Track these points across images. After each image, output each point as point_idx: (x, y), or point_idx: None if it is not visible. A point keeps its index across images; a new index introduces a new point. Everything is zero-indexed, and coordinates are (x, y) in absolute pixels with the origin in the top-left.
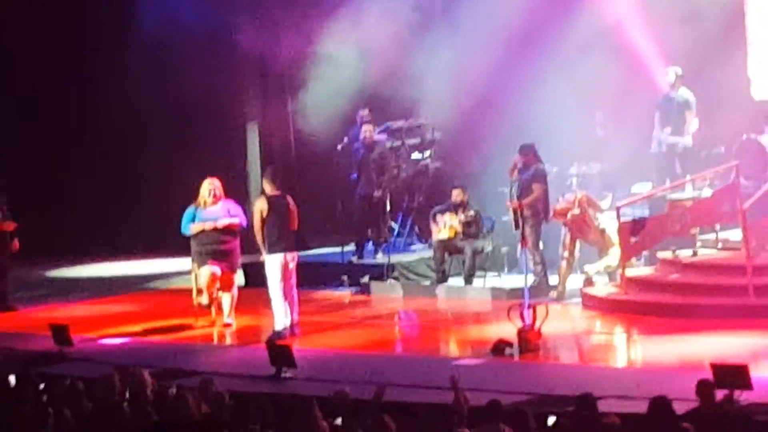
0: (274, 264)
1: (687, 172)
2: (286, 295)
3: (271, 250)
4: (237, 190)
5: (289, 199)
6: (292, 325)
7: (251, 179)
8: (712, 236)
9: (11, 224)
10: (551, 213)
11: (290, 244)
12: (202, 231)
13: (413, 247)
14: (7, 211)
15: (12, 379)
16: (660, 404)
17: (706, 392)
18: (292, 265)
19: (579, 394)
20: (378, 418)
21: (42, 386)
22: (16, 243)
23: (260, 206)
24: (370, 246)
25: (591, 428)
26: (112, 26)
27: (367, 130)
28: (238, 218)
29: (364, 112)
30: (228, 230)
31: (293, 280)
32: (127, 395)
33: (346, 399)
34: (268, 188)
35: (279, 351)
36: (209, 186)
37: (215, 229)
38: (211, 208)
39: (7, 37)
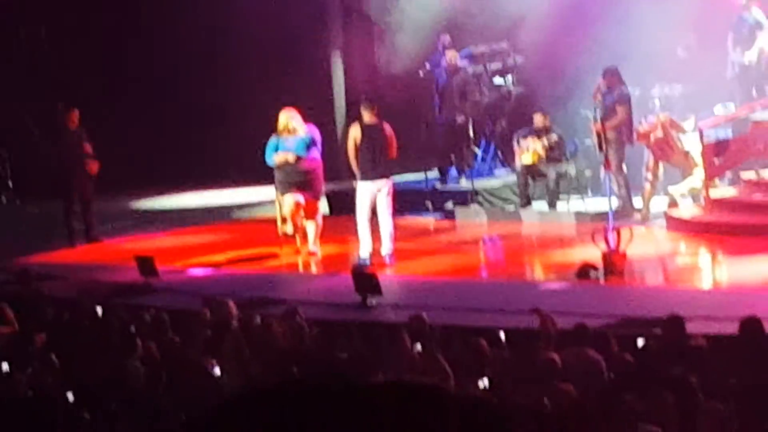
0: (363, 191)
1: (759, 92)
2: (382, 224)
3: (363, 177)
4: (323, 119)
5: (387, 126)
6: (387, 254)
7: (336, 107)
8: None
9: (89, 146)
10: (635, 136)
11: (383, 172)
12: (285, 161)
13: (497, 172)
14: (85, 135)
15: (99, 309)
16: (751, 325)
17: None
18: (384, 191)
19: (666, 316)
20: (472, 342)
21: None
22: (94, 165)
23: (354, 134)
24: (453, 172)
25: (679, 350)
26: None
27: (450, 56)
28: (314, 138)
29: (446, 38)
30: (310, 158)
31: (389, 209)
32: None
33: (423, 324)
34: (366, 116)
35: (364, 279)
36: (288, 116)
37: (298, 159)
38: (292, 137)
39: None
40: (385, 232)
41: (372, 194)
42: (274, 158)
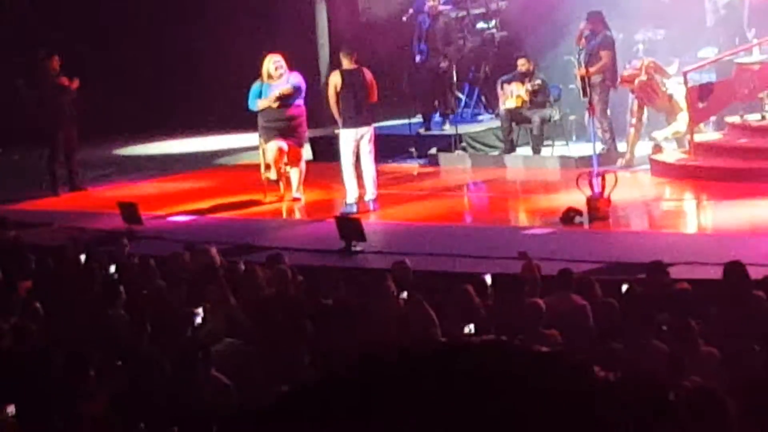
0: (346, 138)
1: (741, 38)
2: (364, 169)
3: (345, 124)
4: (307, 64)
5: (366, 72)
6: (370, 200)
7: (320, 53)
8: None
9: (75, 81)
10: (619, 80)
11: (365, 119)
12: (269, 107)
13: (480, 117)
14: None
15: (82, 257)
16: (734, 269)
17: None
18: (367, 138)
19: (650, 262)
20: (458, 288)
21: (113, 266)
22: (74, 83)
23: (334, 80)
24: (437, 117)
25: (662, 294)
26: None
27: (432, 0)
28: (299, 86)
29: None
30: (294, 105)
31: (371, 155)
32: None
33: (407, 271)
34: (345, 62)
35: (348, 225)
36: (273, 61)
37: (281, 105)
38: (276, 83)
39: None
40: (368, 178)
41: (355, 141)
42: (257, 104)
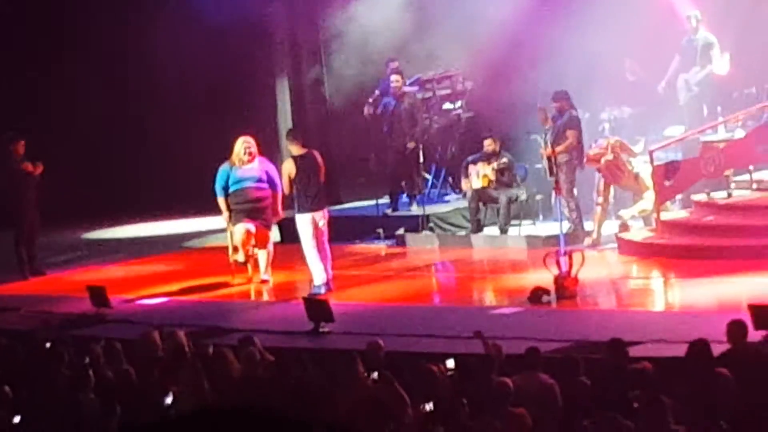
0: (304, 223)
1: (711, 111)
2: (320, 251)
3: (301, 209)
4: (269, 149)
5: (316, 154)
6: (327, 281)
7: (282, 137)
8: (746, 177)
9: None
10: (585, 159)
11: (319, 203)
12: (237, 189)
13: (447, 197)
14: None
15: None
16: (699, 347)
17: (738, 333)
18: (322, 223)
19: (609, 340)
20: (422, 368)
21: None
22: (38, 168)
23: (288, 169)
24: (404, 198)
25: (622, 374)
26: None
27: (395, 80)
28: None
29: (394, 64)
30: (261, 188)
31: (325, 237)
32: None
33: (379, 351)
34: (294, 149)
35: (317, 306)
36: (244, 144)
37: (249, 188)
38: (246, 167)
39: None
40: (326, 261)
41: (313, 224)
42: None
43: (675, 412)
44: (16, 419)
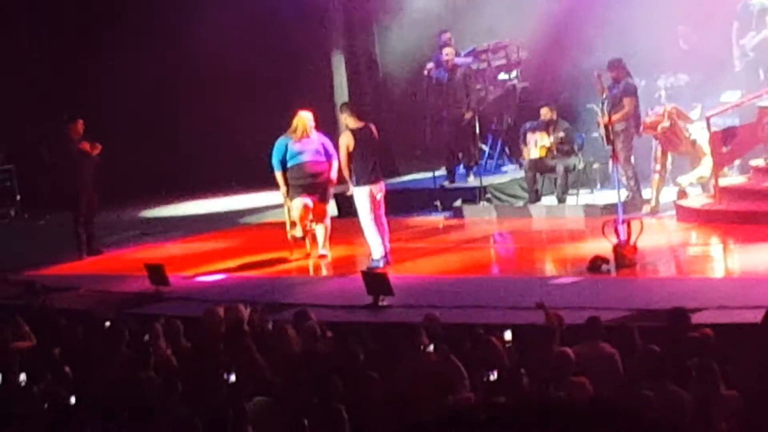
0: (362, 196)
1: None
2: (377, 225)
3: (359, 182)
4: (326, 123)
5: (373, 127)
6: (385, 254)
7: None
8: None
9: (97, 147)
10: (642, 127)
11: (377, 176)
12: (295, 164)
13: (504, 168)
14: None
15: (108, 322)
16: None
17: None
18: (379, 196)
19: (671, 308)
20: (482, 339)
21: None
22: (96, 149)
23: (346, 142)
24: (461, 169)
25: (687, 340)
26: None
27: (447, 53)
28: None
29: (445, 36)
30: (319, 162)
31: (382, 210)
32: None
33: (437, 324)
34: (351, 122)
35: (375, 279)
36: (303, 118)
37: (307, 162)
38: (304, 140)
39: None
40: (383, 234)
41: (372, 197)
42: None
43: (730, 378)
44: (72, 400)
